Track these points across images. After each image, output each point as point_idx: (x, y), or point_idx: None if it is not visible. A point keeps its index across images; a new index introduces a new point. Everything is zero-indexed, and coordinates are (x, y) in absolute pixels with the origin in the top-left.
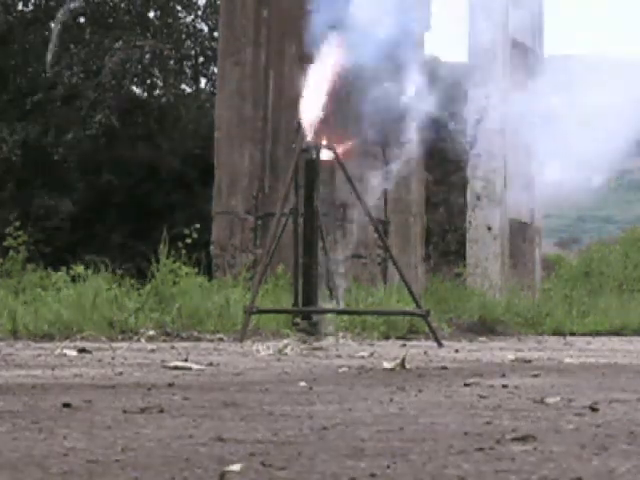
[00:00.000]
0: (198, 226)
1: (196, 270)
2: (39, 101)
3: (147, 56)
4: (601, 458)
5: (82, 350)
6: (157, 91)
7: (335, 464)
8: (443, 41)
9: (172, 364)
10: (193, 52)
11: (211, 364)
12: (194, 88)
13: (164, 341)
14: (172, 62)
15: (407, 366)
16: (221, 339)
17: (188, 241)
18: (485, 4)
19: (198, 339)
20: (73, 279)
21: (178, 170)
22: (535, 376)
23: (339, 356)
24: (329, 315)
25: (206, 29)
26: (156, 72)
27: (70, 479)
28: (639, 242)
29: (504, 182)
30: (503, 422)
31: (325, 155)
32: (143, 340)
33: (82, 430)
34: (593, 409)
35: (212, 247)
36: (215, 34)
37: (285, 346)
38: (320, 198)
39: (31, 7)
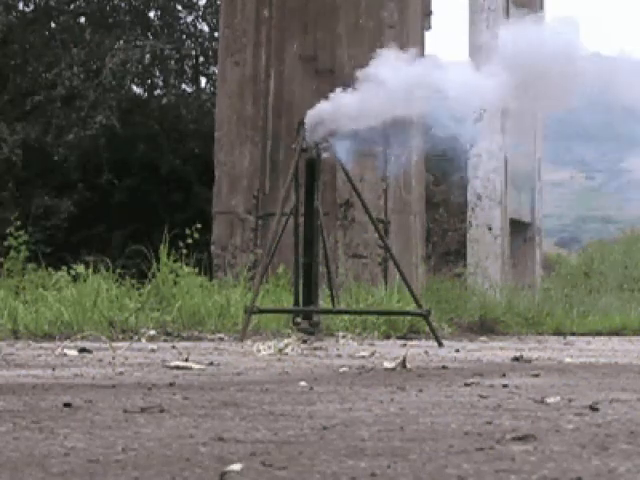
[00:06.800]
0: (200, 226)
1: (197, 270)
2: (39, 101)
3: (147, 56)
4: (601, 458)
5: (83, 350)
6: (157, 91)
7: (335, 464)
8: (443, 41)
9: (173, 364)
10: (193, 52)
11: (211, 364)
12: (194, 88)
13: (165, 341)
14: (172, 62)
15: (408, 366)
16: (222, 339)
17: (189, 241)
18: (485, 4)
19: (199, 339)
20: (74, 279)
21: (178, 170)
22: (535, 376)
23: (339, 356)
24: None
25: (206, 29)
26: (156, 72)
27: (70, 479)
28: (639, 242)
29: (504, 182)
30: (503, 422)
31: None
32: (144, 340)
33: (82, 430)
34: (593, 409)
35: (213, 247)
36: (215, 34)
37: (285, 346)
38: (320, 197)
39: (31, 7)
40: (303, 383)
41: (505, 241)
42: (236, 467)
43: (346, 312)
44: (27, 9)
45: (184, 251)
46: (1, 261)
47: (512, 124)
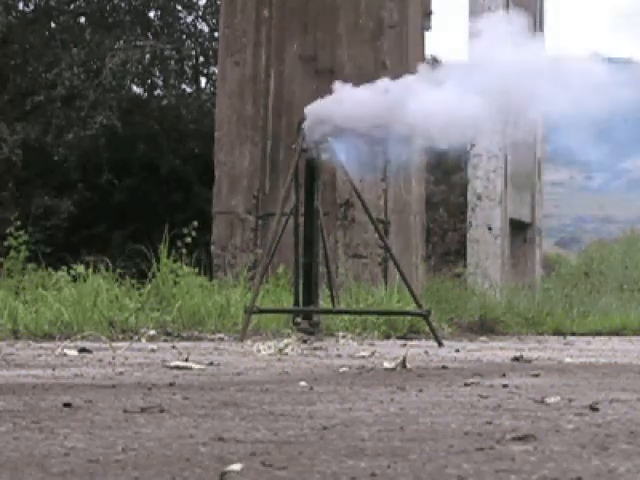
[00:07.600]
0: (196, 224)
1: (197, 270)
2: (39, 101)
3: (147, 56)
4: (601, 458)
5: (83, 350)
6: (157, 91)
7: (335, 464)
8: (443, 41)
9: (173, 364)
10: (193, 52)
11: (211, 364)
12: (194, 88)
13: (165, 341)
14: (172, 62)
15: (408, 366)
16: (222, 339)
17: (188, 240)
18: (485, 4)
19: (199, 339)
20: (74, 279)
21: (178, 170)
22: (535, 376)
23: (339, 356)
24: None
25: (206, 29)
26: (156, 72)
27: (70, 479)
28: (639, 242)
29: (504, 182)
30: (503, 422)
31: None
32: (144, 340)
33: (82, 430)
34: (593, 409)
35: (213, 247)
36: (215, 34)
37: (285, 346)
38: (320, 197)
39: (31, 7)
40: (303, 383)
41: (505, 241)
42: (236, 467)
43: (346, 312)
44: (27, 9)
45: (184, 251)
46: (1, 261)
47: (512, 124)
